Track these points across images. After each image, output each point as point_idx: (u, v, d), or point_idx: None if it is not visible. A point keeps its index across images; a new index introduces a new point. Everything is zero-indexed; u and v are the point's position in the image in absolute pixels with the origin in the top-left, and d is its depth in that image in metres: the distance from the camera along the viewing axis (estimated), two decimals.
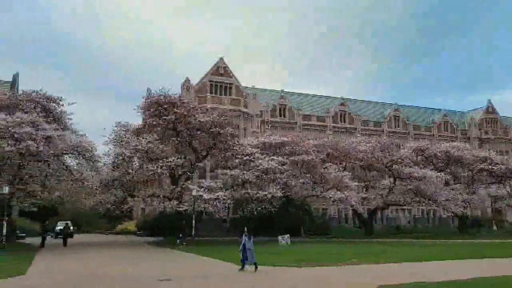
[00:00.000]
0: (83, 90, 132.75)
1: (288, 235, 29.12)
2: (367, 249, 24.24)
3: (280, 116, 58.63)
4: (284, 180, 34.69)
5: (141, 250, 26.89)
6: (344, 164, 41.42)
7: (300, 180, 36.55)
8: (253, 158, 34.53)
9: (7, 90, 43.18)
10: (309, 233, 40.91)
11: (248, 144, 37.13)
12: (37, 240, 34.51)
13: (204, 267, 16.81)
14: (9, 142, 27.52)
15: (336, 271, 15.47)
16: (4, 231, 25.98)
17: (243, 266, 15.13)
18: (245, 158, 34.56)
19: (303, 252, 22.41)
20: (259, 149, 36.69)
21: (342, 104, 63.95)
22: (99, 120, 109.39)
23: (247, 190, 35.13)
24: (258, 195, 33.59)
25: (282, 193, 34.42)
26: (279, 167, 34.27)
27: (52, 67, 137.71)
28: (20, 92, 35.43)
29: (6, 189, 26.31)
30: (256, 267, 14.96)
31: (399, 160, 41.29)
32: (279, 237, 28.79)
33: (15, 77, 50.07)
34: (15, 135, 27.56)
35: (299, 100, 63.29)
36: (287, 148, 37.89)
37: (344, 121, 62.94)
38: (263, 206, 34.42)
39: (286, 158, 35.67)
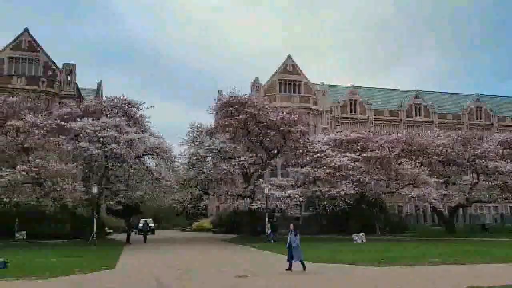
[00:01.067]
0: (151, 93, 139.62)
1: (363, 233, 28.48)
2: (449, 249, 22.96)
3: (351, 111, 57.33)
4: (357, 177, 33.96)
5: (217, 247, 27.83)
6: (421, 159, 39.52)
7: (374, 177, 35.54)
8: (324, 155, 34.21)
9: (93, 97, 46.91)
10: (384, 231, 39.69)
11: (319, 141, 36.83)
12: (122, 236, 37.11)
13: (279, 265, 16.97)
14: (96, 145, 29.78)
15: (418, 271, 14.84)
16: (95, 228, 28.25)
17: (290, 265, 14.41)
18: (316, 156, 34.38)
19: (380, 251, 21.78)
20: (330, 146, 36.25)
21: (416, 97, 60.93)
22: (169, 121, 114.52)
23: (318, 188, 34.91)
24: (330, 192, 33.23)
25: (355, 190, 33.73)
26: (351, 164, 33.59)
27: (124, 71, 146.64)
28: (104, 98, 38.29)
29: (95, 189, 28.67)
30: (304, 266, 14.25)
31: (483, 154, 38.52)
32: (354, 235, 28.23)
33: (99, 85, 54.16)
34: (101, 139, 29.82)
35: (370, 95, 61.39)
36: (359, 144, 37.02)
37: (419, 115, 59.93)
38: (335, 204, 33.98)
39: (359, 155, 34.88)
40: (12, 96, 33.88)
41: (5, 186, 27.14)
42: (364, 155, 35.28)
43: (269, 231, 29.69)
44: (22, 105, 31.56)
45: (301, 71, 52.50)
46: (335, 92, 58.33)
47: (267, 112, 35.18)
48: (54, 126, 30.29)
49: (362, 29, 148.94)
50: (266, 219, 31.30)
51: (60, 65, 45.19)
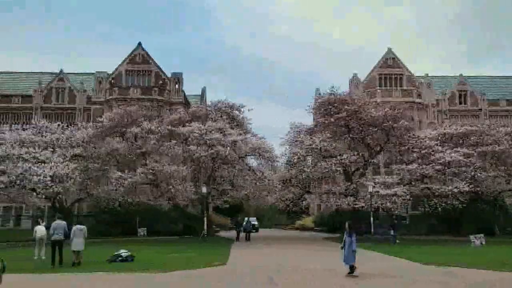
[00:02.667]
0: (249, 95, 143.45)
1: (482, 234, 26.13)
2: None
3: (460, 103, 52.98)
4: (471, 174, 31.36)
5: (321, 245, 27.75)
6: None
7: (491, 173, 32.49)
8: (432, 151, 32.25)
9: (198, 102, 50.01)
10: (504, 233, 35.96)
11: (426, 137, 34.77)
12: (228, 234, 38.94)
13: (386, 265, 16.42)
14: (203, 148, 31.71)
15: None
16: (205, 225, 30.12)
17: (351, 269, 13.25)
18: (423, 152, 32.56)
19: (503, 254, 19.87)
20: (438, 141, 34.05)
21: None
22: (267, 121, 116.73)
23: (426, 185, 33.01)
24: (441, 190, 31.20)
25: (470, 188, 31.17)
26: (464, 159, 31.14)
27: (221, 75, 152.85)
28: (208, 103, 40.64)
29: (204, 189, 30.59)
30: (352, 271, 13.17)
31: None
32: (471, 237, 26.04)
33: (203, 91, 57.50)
34: (208, 142, 31.68)
35: (481, 84, 56.10)
36: (472, 138, 34.16)
37: None
38: (447, 202, 31.79)
39: (472, 150, 32.18)
40: (130, 106, 37.61)
41: (128, 188, 30.23)
42: (479, 149, 32.43)
43: (392, 231, 28.29)
44: (139, 114, 34.84)
45: (402, 63, 50.06)
46: (441, 84, 54.43)
47: (368, 109, 34.21)
48: (166, 131, 32.97)
49: (469, 16, 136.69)
50: (371, 218, 30.46)
51: (168, 74, 48.95)
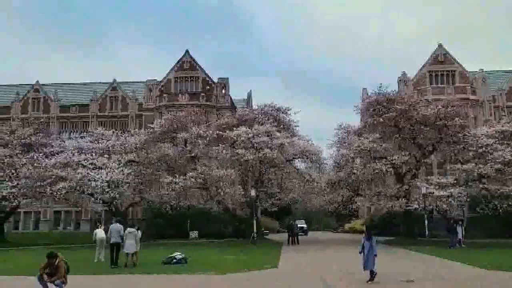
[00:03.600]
0: (293, 97, 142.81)
1: None
2: None
3: None
4: None
5: None
6: None
7: None
8: (491, 149, 30.65)
9: (244, 106, 50.56)
10: None
11: (482, 134, 33.09)
12: (277, 237, 39.01)
13: (446, 271, 15.80)
14: (250, 151, 31.99)
15: None
16: (255, 228, 30.36)
17: (371, 275, 12.51)
18: (480, 150, 31.02)
19: None
20: (496, 139, 32.30)
21: None
22: (312, 123, 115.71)
23: (485, 186, 31.40)
24: (501, 191, 29.59)
25: None
26: None
27: (264, 78, 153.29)
28: (255, 107, 40.99)
29: (253, 192, 30.89)
30: (372, 277, 12.46)
31: None
32: None
33: (249, 95, 58.08)
34: (255, 145, 31.92)
35: None
36: None
37: None
38: (508, 204, 30.09)
39: None
40: (179, 112, 38.69)
41: (179, 192, 31.08)
42: None
43: (459, 234, 26.95)
44: (187, 119, 35.73)
45: (454, 59, 47.96)
46: (498, 79, 51.64)
47: (419, 107, 33.10)
48: (214, 135, 33.59)
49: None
50: (425, 221, 29.40)
51: (215, 80, 49.88)
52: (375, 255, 12.51)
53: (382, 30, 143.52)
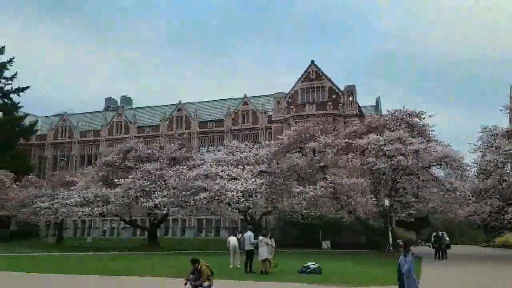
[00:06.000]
0: (427, 101, 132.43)
1: None
2: None
3: None
4: None
5: None
6: None
7: None
8: None
9: (373, 113, 48.89)
10: None
11: None
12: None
13: None
14: (382, 159, 30.66)
15: None
16: (391, 239, 28.89)
17: None
18: None
19: None
20: None
21: None
22: (451, 127, 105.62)
23: None
24: None
25: None
26: None
27: (390, 83, 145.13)
28: (385, 112, 39.28)
29: (387, 202, 29.48)
30: None
31: None
32: None
33: (377, 100, 56.00)
34: (387, 153, 30.50)
35: None
36: None
37: None
38: None
39: None
40: (307, 122, 39.11)
41: (309, 201, 31.27)
42: None
43: None
44: (315, 129, 35.88)
45: None
46: None
47: None
48: (343, 144, 33.09)
49: None
50: None
51: (341, 88, 49.33)
52: (406, 274, 10.35)
53: None
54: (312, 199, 31.05)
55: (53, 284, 15.69)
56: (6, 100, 59.79)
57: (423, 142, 31.40)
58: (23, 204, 42.72)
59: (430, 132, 34.27)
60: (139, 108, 69.48)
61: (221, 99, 63.51)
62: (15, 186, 46.51)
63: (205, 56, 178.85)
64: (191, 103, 62.53)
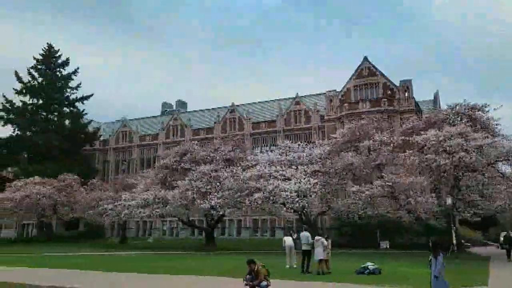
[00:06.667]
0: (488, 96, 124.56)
1: None
2: None
3: None
4: None
5: None
6: None
7: None
8: None
9: (431, 108, 46.89)
10: None
11: None
12: (481, 250, 34.40)
13: None
14: (442, 156, 29.29)
15: None
16: (454, 240, 27.54)
17: None
18: None
19: None
20: None
21: None
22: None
23: None
24: None
25: None
26: None
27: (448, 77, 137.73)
28: (444, 107, 37.56)
29: (449, 201, 28.13)
30: None
31: None
32: None
33: (436, 95, 53.60)
34: (447, 149, 29.11)
35: None
36: None
37: None
38: None
39: None
40: (361, 120, 38.27)
41: (366, 201, 30.56)
42: None
43: None
44: (370, 126, 35.02)
45: None
46: None
47: None
48: (399, 141, 32.02)
49: None
50: None
51: (396, 83, 47.75)
52: (435, 277, 9.50)
53: None
54: (369, 198, 30.34)
55: (133, 282, 16.56)
56: (72, 109, 63.93)
57: (488, 137, 29.65)
58: (89, 206, 45.40)
59: (495, 126, 32.31)
60: (194, 111, 71.40)
61: (272, 100, 63.78)
62: (82, 189, 49.51)
63: (255, 56, 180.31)
64: (243, 104, 63.33)
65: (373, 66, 49.37)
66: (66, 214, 49.54)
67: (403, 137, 32.26)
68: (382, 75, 48.79)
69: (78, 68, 64.31)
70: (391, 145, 32.16)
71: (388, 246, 33.96)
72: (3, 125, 59.42)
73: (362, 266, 17.58)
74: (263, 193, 31.94)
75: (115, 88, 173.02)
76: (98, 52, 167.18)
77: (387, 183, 29.76)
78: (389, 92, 47.52)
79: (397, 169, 32.43)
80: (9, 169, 59.94)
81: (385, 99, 46.48)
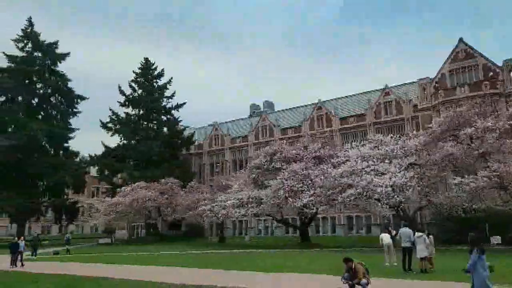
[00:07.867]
0: None
1: None
2: None
3: None
4: None
5: None
6: None
7: None
8: None
9: None
10: None
11: None
12: None
13: None
14: None
15: None
16: None
17: None
18: None
19: None
20: None
21: None
22: None
23: None
24: None
25: None
26: None
27: None
28: None
29: None
30: None
31: None
32: None
33: None
34: None
35: None
36: None
37: None
38: None
39: None
40: (459, 106, 35.56)
41: (470, 193, 28.35)
42: None
43: None
44: (471, 113, 32.42)
45: None
46: None
47: None
48: (506, 126, 29.23)
49: None
50: None
51: (498, 64, 43.56)
52: (476, 274, 9.09)
53: None
54: (474, 190, 28.12)
55: (293, 282, 17.30)
56: (169, 117, 68.47)
57: None
58: (189, 207, 48.28)
59: None
60: (281, 110, 72.10)
61: (358, 93, 61.98)
62: (182, 192, 52.84)
63: (334, 50, 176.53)
64: (329, 100, 62.39)
65: (470, 47, 45.49)
66: (169, 215, 53.26)
67: (511, 122, 29.36)
68: (482, 55, 44.78)
69: (171, 78, 68.70)
70: (497, 131, 29.44)
71: (499, 242, 31.10)
72: (111, 135, 65.64)
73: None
74: (356, 189, 31.21)
75: (205, 94, 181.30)
76: (186, 62, 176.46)
77: (494, 173, 27.33)
78: (490, 73, 43.43)
79: (505, 157, 29.59)
80: (119, 175, 65.94)
81: (487, 82, 42.56)
